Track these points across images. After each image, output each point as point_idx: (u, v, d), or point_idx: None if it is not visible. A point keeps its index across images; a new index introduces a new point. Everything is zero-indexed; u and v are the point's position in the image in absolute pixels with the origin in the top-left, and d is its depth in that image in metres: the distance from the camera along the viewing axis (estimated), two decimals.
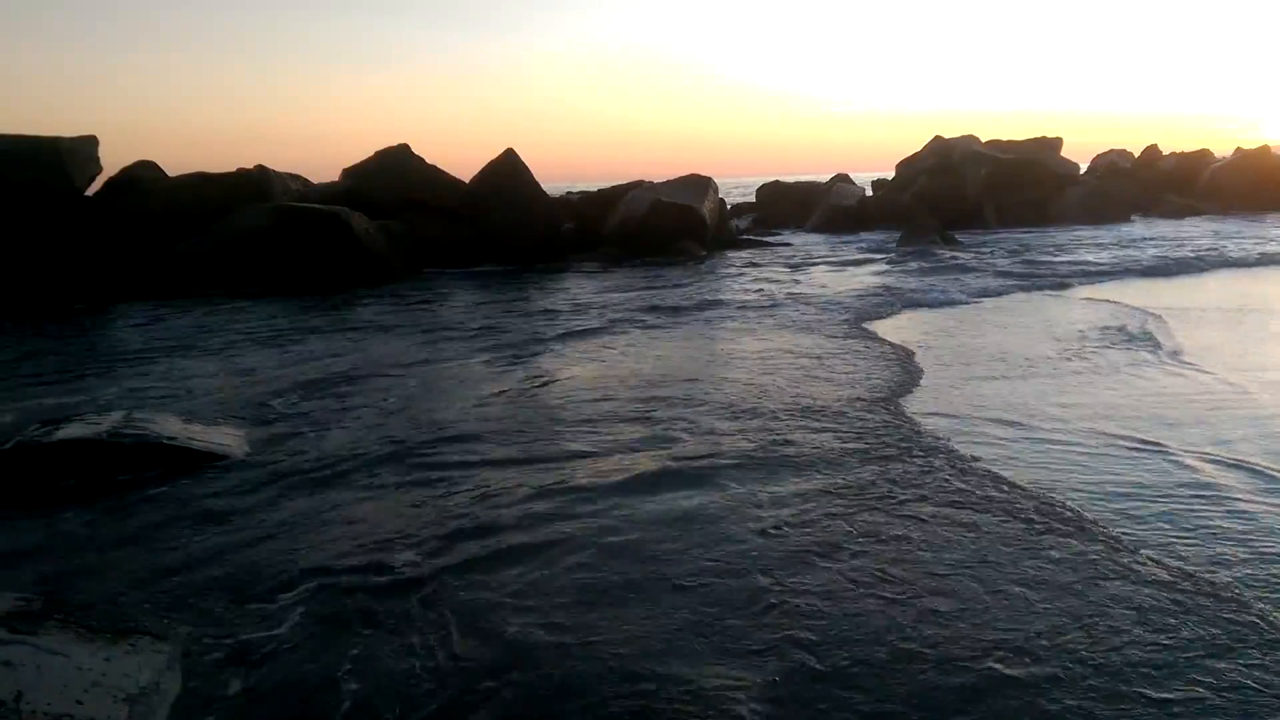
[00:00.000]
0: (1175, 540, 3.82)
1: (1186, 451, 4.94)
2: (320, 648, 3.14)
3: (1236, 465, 4.71)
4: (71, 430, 5.16)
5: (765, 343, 8.74)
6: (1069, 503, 4.24)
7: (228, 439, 5.51)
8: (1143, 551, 3.71)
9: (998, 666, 2.90)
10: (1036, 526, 3.98)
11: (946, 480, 4.59)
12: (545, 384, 7.21)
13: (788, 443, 5.31)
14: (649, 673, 2.91)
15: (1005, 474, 4.66)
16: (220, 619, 3.34)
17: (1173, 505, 4.19)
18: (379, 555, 3.91)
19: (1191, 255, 16.17)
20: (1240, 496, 4.28)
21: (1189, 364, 7.17)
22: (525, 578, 3.65)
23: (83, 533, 4.22)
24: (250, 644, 3.16)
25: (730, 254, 18.80)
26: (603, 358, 8.23)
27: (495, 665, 3.00)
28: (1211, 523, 3.99)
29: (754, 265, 16.69)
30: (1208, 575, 3.48)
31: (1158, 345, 7.95)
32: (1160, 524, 3.99)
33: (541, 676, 2.92)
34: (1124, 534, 3.89)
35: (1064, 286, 12.65)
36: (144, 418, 5.51)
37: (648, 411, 6.13)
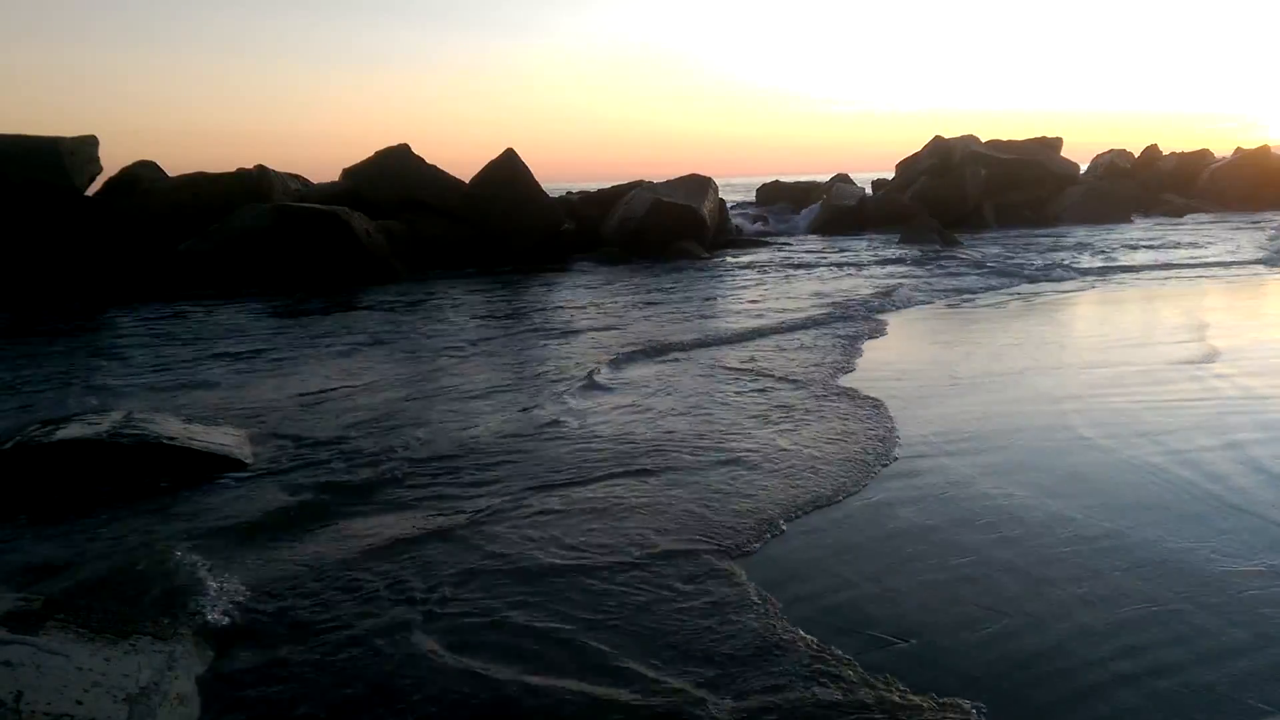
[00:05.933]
0: None
1: None
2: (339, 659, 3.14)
3: None
4: (71, 430, 5.14)
5: None
6: None
7: (228, 439, 5.50)
8: None
9: None
10: None
11: None
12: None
13: None
14: None
15: None
16: (220, 618, 3.33)
17: None
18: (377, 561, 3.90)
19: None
20: None
21: None
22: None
23: (82, 532, 4.21)
24: (255, 643, 3.16)
25: (731, 254, 18.79)
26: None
27: None
28: None
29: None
30: None
31: None
32: None
33: None
34: None
35: None
36: (144, 418, 5.49)
37: None
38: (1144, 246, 18.40)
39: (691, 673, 2.91)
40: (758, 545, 3.90)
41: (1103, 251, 17.48)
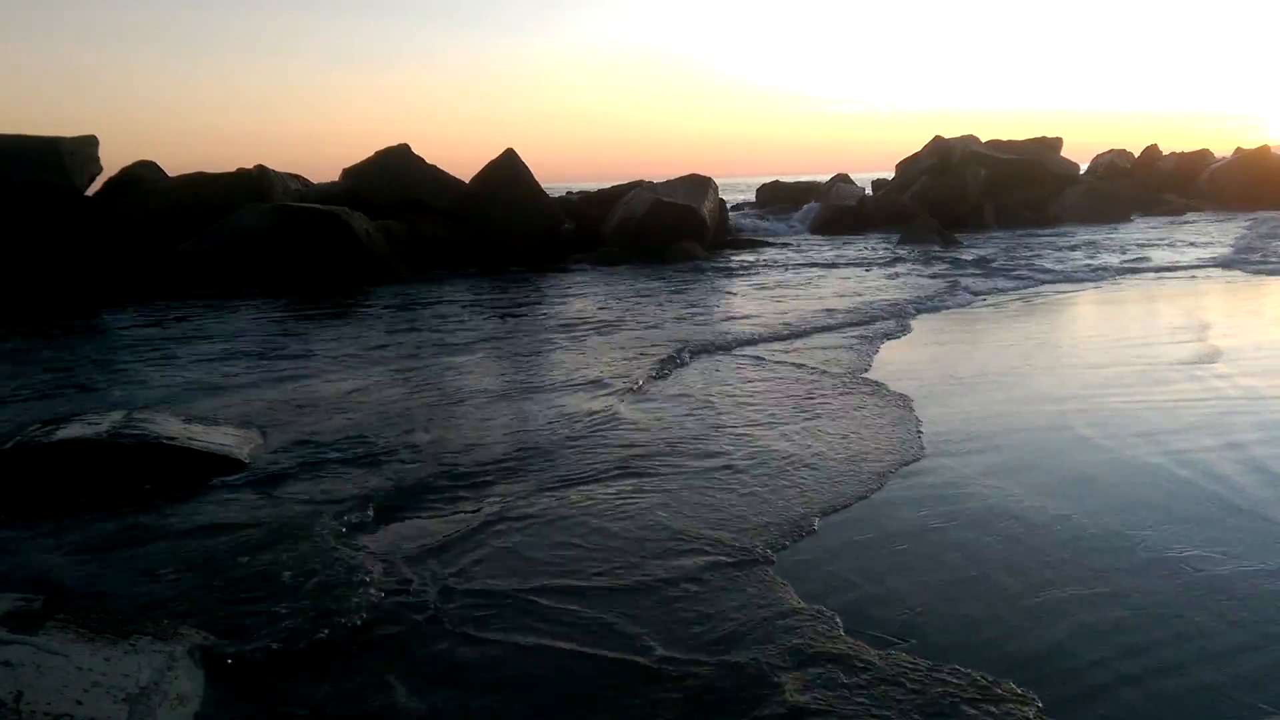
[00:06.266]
0: None
1: None
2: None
3: None
4: (71, 430, 5.14)
5: None
6: None
7: (228, 439, 5.49)
8: None
9: None
10: None
11: None
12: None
13: None
14: None
15: None
16: (220, 621, 3.33)
17: None
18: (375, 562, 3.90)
19: None
20: None
21: None
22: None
23: (82, 532, 4.20)
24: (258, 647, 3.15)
25: (732, 255, 18.78)
26: None
27: None
28: None
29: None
30: None
31: None
32: None
33: None
34: None
35: None
36: (144, 417, 5.49)
37: None
38: (1152, 246, 18.37)
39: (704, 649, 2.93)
40: (771, 551, 3.87)
41: (1119, 251, 17.48)
